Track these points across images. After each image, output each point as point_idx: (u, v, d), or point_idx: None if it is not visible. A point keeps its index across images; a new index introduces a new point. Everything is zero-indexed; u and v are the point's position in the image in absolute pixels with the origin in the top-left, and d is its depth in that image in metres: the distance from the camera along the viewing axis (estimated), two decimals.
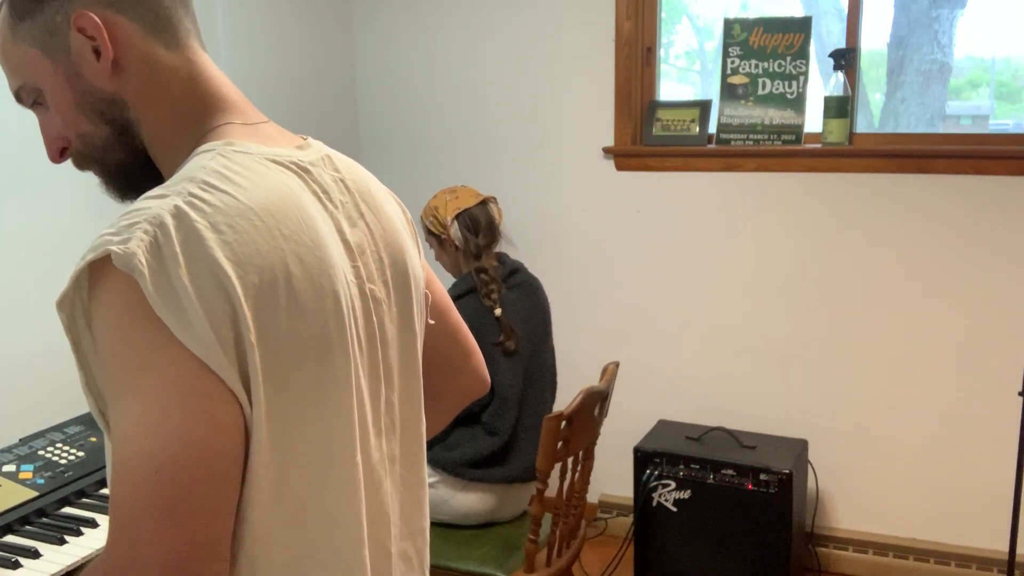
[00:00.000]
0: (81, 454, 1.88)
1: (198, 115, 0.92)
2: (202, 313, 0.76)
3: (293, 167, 0.91)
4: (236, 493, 0.80)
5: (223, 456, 0.78)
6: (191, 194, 0.81)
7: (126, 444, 0.75)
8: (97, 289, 0.78)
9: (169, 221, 0.78)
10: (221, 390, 0.78)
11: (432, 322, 1.13)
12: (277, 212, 0.84)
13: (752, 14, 3.16)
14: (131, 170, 0.95)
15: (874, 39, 3.07)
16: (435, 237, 2.47)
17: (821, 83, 3.08)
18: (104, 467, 1.86)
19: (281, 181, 0.88)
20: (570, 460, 2.19)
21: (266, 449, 0.82)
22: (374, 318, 0.96)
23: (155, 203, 0.80)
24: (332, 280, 0.87)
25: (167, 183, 0.84)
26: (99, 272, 0.78)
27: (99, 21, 0.88)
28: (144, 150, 0.94)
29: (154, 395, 0.76)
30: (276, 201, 0.85)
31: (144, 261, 0.76)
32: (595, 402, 2.15)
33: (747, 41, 3.02)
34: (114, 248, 0.76)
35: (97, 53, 0.89)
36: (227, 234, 0.80)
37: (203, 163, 0.85)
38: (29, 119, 0.93)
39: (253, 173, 0.86)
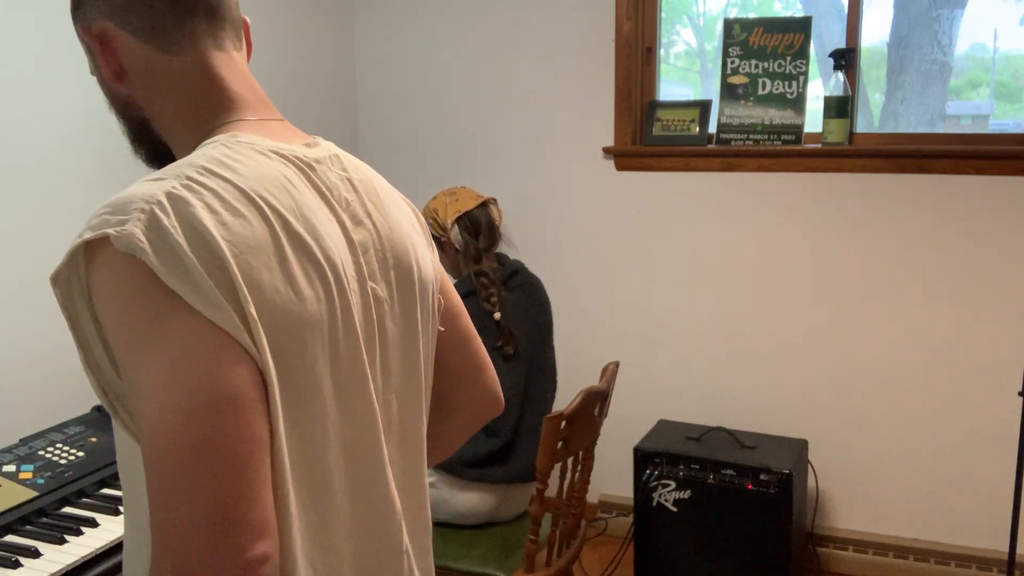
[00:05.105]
0: (81, 454, 1.88)
1: (206, 114, 0.95)
2: (208, 279, 0.77)
3: (297, 161, 0.93)
4: (267, 434, 0.79)
5: (248, 397, 0.77)
6: (188, 177, 0.83)
7: (150, 408, 0.75)
8: (96, 265, 0.79)
9: (164, 200, 0.80)
10: (234, 344, 0.78)
11: (443, 328, 1.13)
12: (273, 200, 0.86)
13: (752, 14, 3.16)
14: (158, 157, 1.01)
15: (874, 39, 3.07)
16: (434, 239, 2.46)
17: (821, 83, 3.08)
18: (104, 467, 1.86)
19: (280, 171, 0.89)
20: (570, 460, 2.19)
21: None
22: (374, 315, 0.96)
23: (151, 185, 0.82)
24: (326, 271, 0.88)
25: (167, 167, 0.86)
26: (97, 250, 0.79)
27: (95, 35, 0.94)
28: (165, 144, 0.99)
29: (169, 352, 0.76)
30: (273, 190, 0.86)
31: (144, 238, 0.77)
32: (595, 402, 2.15)
33: (747, 41, 3.02)
34: (111, 231, 0.77)
35: None
36: (222, 215, 0.81)
37: (205, 151, 0.88)
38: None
39: (253, 161, 0.88)
